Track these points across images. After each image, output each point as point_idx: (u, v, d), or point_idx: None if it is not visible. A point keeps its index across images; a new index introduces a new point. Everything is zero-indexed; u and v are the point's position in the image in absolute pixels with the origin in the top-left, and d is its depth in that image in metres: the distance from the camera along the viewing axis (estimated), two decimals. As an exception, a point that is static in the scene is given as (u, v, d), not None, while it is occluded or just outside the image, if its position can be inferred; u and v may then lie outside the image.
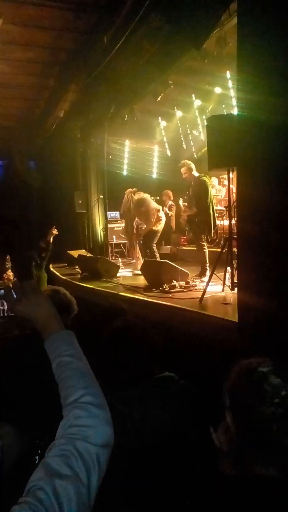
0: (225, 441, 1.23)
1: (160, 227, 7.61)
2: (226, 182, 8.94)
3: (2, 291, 1.34)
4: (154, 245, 7.66)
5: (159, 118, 9.97)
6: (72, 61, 7.99)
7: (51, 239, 7.81)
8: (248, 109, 3.59)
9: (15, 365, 2.17)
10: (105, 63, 7.19)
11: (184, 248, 9.64)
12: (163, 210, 8.00)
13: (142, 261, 7.94)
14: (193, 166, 6.35)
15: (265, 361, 1.22)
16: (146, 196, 7.68)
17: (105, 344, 1.94)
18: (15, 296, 1.21)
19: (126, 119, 8.76)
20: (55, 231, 7.76)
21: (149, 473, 1.62)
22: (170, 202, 9.57)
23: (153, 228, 7.50)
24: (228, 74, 7.45)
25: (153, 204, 7.60)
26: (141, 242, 7.92)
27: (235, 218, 5.35)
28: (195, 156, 10.00)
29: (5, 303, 1.36)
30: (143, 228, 7.69)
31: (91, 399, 1.01)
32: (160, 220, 7.51)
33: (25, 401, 2.08)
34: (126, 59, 6.68)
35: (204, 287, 4.97)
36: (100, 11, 6.46)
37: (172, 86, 7.70)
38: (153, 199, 7.89)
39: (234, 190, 5.96)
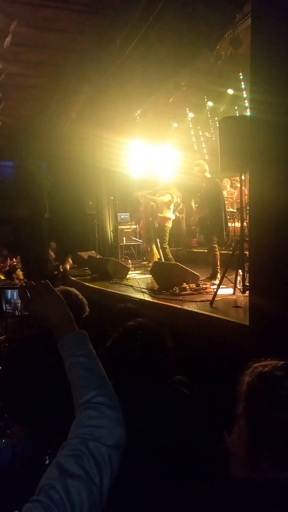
0: (240, 445, 1.21)
1: (169, 223, 7.67)
2: (238, 184, 8.91)
3: (16, 291, 1.34)
4: (167, 246, 7.67)
5: (171, 119, 9.95)
6: (84, 62, 8.02)
7: (68, 267, 7.84)
8: (261, 111, 3.57)
9: (27, 365, 2.18)
10: (117, 65, 7.21)
11: (194, 250, 9.60)
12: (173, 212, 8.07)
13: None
14: (207, 167, 6.31)
15: (279, 364, 1.20)
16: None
17: (117, 344, 1.93)
18: (29, 295, 1.20)
19: (137, 120, 8.75)
20: (71, 262, 7.79)
21: (160, 476, 1.60)
22: (181, 206, 9.55)
23: (164, 222, 7.53)
24: (241, 75, 7.41)
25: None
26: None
27: (247, 221, 5.33)
28: (206, 157, 9.95)
29: (19, 303, 1.35)
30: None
31: (103, 399, 1.01)
32: (168, 215, 7.58)
33: (36, 401, 2.08)
34: (139, 60, 6.68)
35: (215, 290, 4.94)
36: (113, 13, 6.48)
37: (184, 88, 7.68)
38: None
39: (246, 192, 5.96)
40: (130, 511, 1.49)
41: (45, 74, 8.75)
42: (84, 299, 2.46)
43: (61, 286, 2.53)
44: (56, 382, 2.03)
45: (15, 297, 1.35)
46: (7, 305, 1.38)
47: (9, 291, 1.37)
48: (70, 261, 7.78)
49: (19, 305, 1.35)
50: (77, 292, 2.42)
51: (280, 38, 3.33)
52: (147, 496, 1.55)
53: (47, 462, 1.90)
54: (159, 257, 8.00)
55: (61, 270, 7.82)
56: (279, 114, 3.34)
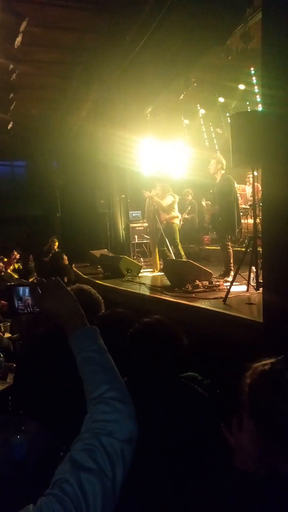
0: (249, 441, 1.21)
1: (177, 221, 7.70)
2: (251, 180, 8.82)
3: (28, 288, 1.35)
4: (179, 243, 7.65)
5: (182, 116, 9.91)
6: (94, 61, 8.03)
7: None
8: (273, 106, 3.52)
9: (41, 362, 2.19)
10: (127, 62, 7.20)
11: (207, 247, 9.56)
12: (182, 215, 8.16)
13: (159, 265, 8.03)
14: (224, 162, 6.25)
15: (278, 359, 1.20)
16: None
17: (132, 341, 1.93)
18: (40, 292, 1.22)
19: (148, 118, 8.73)
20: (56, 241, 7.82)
21: (171, 473, 1.60)
22: (189, 208, 9.51)
23: (171, 221, 7.56)
24: (252, 70, 7.34)
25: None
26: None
27: (260, 217, 5.27)
28: (218, 154, 9.88)
29: (30, 299, 1.36)
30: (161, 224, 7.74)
31: (115, 394, 1.02)
32: (176, 213, 7.63)
33: (50, 397, 2.09)
34: (149, 57, 6.65)
35: (228, 287, 4.91)
36: (122, 10, 6.46)
37: (195, 84, 7.63)
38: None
39: (259, 188, 5.89)
40: (140, 509, 1.49)
41: (56, 74, 8.79)
42: (100, 298, 2.46)
43: (76, 284, 2.53)
44: (69, 379, 2.04)
45: (26, 294, 1.36)
46: (19, 302, 1.38)
47: (21, 288, 1.37)
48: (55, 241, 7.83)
49: (30, 301, 1.36)
50: (93, 291, 2.42)
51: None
52: (158, 493, 1.55)
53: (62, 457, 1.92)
54: (160, 262, 8.05)
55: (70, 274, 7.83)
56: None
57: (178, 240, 7.69)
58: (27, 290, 1.35)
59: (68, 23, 6.81)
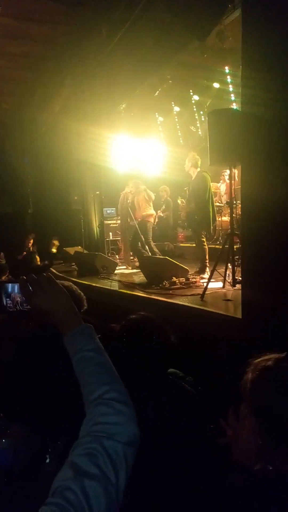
0: (248, 434, 1.21)
1: (151, 219, 7.74)
2: (226, 178, 8.94)
3: (17, 285, 1.29)
4: (152, 242, 7.67)
5: (156, 113, 9.90)
6: (68, 55, 7.89)
7: (54, 250, 7.59)
8: (254, 105, 3.55)
9: (22, 364, 2.13)
10: (102, 57, 7.11)
11: (181, 244, 9.61)
12: (156, 213, 8.19)
13: (131, 262, 8.02)
14: (199, 161, 6.29)
15: (282, 356, 1.20)
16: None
17: (119, 338, 1.89)
18: (30, 288, 1.16)
19: (122, 114, 8.68)
20: (56, 242, 7.53)
21: (166, 472, 1.59)
22: (163, 207, 9.54)
23: (146, 218, 7.55)
24: (226, 69, 7.40)
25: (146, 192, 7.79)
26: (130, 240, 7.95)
27: (234, 214, 5.34)
28: (192, 152, 9.93)
29: (20, 297, 1.30)
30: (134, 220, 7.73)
31: (115, 395, 0.98)
32: (152, 211, 7.63)
33: (33, 400, 2.03)
34: (124, 52, 6.60)
35: (205, 283, 4.94)
36: (97, 5, 6.37)
37: (170, 81, 7.63)
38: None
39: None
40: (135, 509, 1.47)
41: (28, 67, 8.59)
42: (82, 294, 2.41)
43: (58, 281, 2.46)
44: (54, 380, 1.99)
45: (16, 291, 1.31)
46: (8, 299, 1.33)
47: (10, 285, 1.31)
48: (56, 242, 7.51)
49: (20, 299, 1.30)
50: (74, 287, 2.38)
51: (271, 31, 3.32)
52: (154, 493, 1.54)
53: (47, 461, 1.87)
54: (133, 259, 8.05)
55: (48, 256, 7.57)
56: (272, 108, 3.33)
57: (151, 238, 7.70)
58: (16, 287, 1.30)
59: (41, 15, 6.65)
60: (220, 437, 1.51)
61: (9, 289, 1.30)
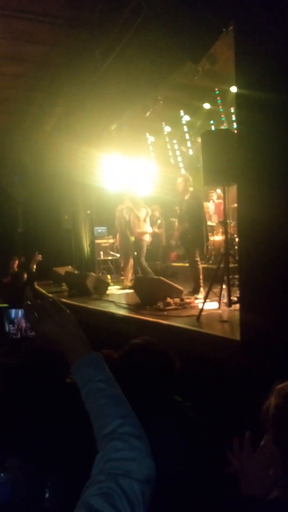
0: (266, 471, 1.15)
1: (147, 237, 7.63)
2: (215, 198, 9.01)
3: (21, 310, 1.22)
4: (145, 261, 7.60)
5: (147, 133, 10.00)
6: (61, 76, 7.95)
7: (34, 266, 7.30)
8: (249, 126, 3.57)
9: (23, 392, 2.03)
10: (95, 79, 7.17)
11: (174, 264, 9.57)
12: (152, 229, 8.12)
13: (130, 278, 7.91)
14: (190, 180, 6.32)
15: None
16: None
17: (122, 364, 1.81)
18: (36, 315, 1.09)
19: (113, 134, 8.74)
20: (39, 257, 7.26)
21: (174, 503, 1.50)
22: (159, 221, 9.53)
23: (141, 237, 7.48)
24: (217, 90, 7.52)
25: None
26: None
27: (230, 234, 5.33)
28: (183, 172, 10.01)
29: (23, 323, 1.23)
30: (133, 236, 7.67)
31: (130, 429, 0.91)
32: (146, 229, 7.57)
33: (30, 431, 1.93)
34: (117, 74, 6.66)
35: (200, 304, 4.88)
36: (92, 27, 6.44)
37: (161, 102, 7.72)
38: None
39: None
40: None
41: (21, 87, 8.61)
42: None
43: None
44: (51, 412, 1.89)
45: (19, 316, 1.24)
46: (11, 325, 1.26)
47: (13, 310, 1.25)
48: (39, 256, 7.15)
49: (25, 325, 1.24)
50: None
51: (264, 52, 3.37)
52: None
53: (46, 495, 1.78)
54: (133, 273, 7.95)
55: (28, 272, 7.21)
56: (268, 128, 3.36)
57: (143, 257, 7.64)
58: (20, 312, 1.23)
59: (35, 37, 6.70)
60: (225, 466, 1.44)
61: (12, 315, 1.24)
